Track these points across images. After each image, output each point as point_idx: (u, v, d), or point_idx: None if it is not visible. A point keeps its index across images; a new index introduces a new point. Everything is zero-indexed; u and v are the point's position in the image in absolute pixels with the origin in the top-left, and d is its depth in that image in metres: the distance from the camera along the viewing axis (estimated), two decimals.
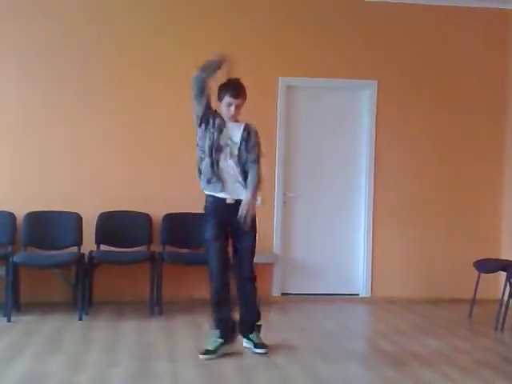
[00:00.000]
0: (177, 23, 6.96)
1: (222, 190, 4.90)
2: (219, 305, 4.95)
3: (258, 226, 5.06)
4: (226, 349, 4.94)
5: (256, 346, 5.03)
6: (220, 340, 4.92)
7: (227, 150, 4.90)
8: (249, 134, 4.97)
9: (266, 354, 4.98)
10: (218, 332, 4.94)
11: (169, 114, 6.93)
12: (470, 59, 7.42)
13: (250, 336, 5.07)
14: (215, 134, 4.88)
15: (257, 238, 5.07)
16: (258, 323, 5.12)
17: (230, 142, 4.91)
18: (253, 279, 5.05)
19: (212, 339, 4.93)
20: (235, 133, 4.94)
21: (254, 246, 5.04)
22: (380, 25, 7.28)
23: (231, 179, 4.92)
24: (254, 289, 5.08)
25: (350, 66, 7.24)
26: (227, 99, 4.87)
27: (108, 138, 6.88)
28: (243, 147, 4.93)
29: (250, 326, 5.08)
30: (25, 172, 6.75)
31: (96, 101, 6.87)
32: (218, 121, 4.91)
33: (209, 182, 4.90)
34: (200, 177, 4.96)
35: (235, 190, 4.93)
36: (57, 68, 6.81)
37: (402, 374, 4.61)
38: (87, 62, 6.84)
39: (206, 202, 5.00)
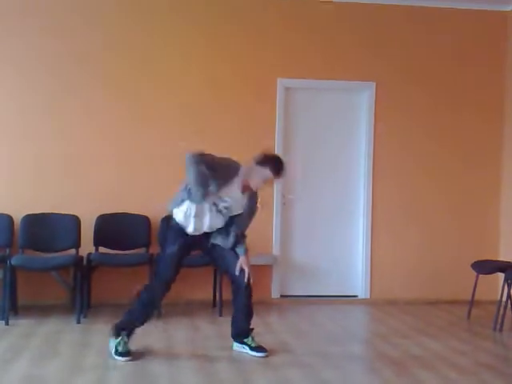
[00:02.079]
0: (175, 27, 6.96)
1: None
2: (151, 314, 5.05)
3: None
4: None
5: (253, 349, 5.00)
6: (126, 339, 4.91)
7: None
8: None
9: (266, 357, 4.97)
10: (126, 333, 4.91)
11: (167, 118, 6.93)
12: (468, 61, 7.42)
13: (245, 340, 5.05)
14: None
15: None
16: (251, 327, 5.11)
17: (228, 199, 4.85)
18: (251, 285, 5.02)
19: (123, 340, 4.89)
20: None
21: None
22: (378, 27, 7.28)
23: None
24: (251, 295, 5.05)
25: (349, 67, 7.24)
26: (271, 176, 4.73)
27: (106, 140, 6.87)
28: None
29: (246, 331, 5.07)
30: (22, 174, 6.74)
31: (94, 103, 6.85)
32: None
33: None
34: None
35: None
36: (53, 71, 6.79)
37: (401, 376, 4.60)
38: (84, 66, 6.82)
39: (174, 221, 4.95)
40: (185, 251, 4.97)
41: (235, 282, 5.00)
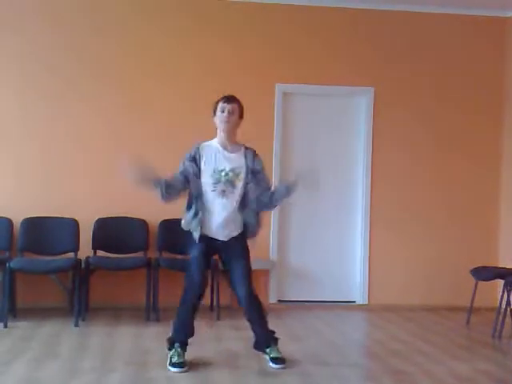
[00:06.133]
0: (175, 31, 6.99)
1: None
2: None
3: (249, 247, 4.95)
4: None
5: (272, 360, 4.86)
6: (179, 350, 4.84)
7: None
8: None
9: (283, 368, 4.83)
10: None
11: (165, 123, 6.94)
12: (468, 67, 7.44)
13: (267, 350, 4.91)
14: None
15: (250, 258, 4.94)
16: (275, 336, 4.98)
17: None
18: (254, 297, 4.88)
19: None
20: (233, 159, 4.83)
21: (249, 266, 4.89)
22: (377, 32, 7.29)
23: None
24: (259, 306, 4.92)
25: (347, 72, 7.25)
26: (220, 105, 4.78)
27: (105, 145, 6.87)
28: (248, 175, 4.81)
29: (264, 342, 4.93)
30: (22, 178, 6.75)
31: (94, 108, 6.86)
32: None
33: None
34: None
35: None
36: (57, 75, 6.81)
37: (400, 382, 4.59)
38: (89, 69, 6.86)
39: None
40: (207, 253, 4.84)
41: (238, 296, 4.86)
